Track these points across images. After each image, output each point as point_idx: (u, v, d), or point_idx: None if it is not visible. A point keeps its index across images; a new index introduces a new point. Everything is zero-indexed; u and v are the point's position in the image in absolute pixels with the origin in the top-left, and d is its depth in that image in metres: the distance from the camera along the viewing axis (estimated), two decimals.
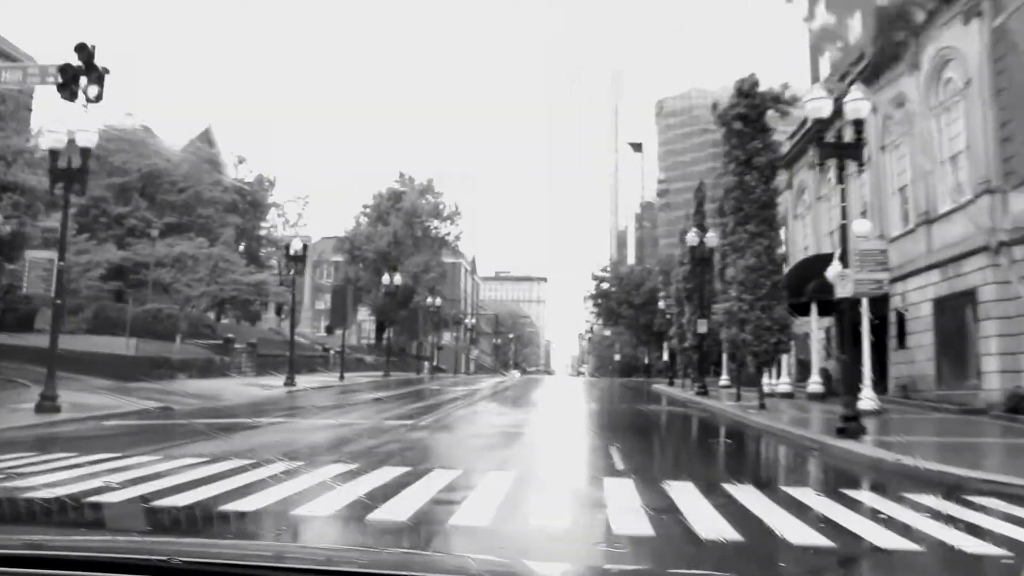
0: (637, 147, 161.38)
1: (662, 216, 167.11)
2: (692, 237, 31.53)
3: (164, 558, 1.90)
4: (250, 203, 76.23)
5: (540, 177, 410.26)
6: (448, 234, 77.95)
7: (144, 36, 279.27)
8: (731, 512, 7.46)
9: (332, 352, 51.63)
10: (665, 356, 62.63)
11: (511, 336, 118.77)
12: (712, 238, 31.01)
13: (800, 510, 7.71)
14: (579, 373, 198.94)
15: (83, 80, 15.39)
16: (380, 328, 78.66)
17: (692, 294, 32.60)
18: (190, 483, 8.33)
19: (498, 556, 2.84)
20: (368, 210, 77.58)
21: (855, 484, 10.43)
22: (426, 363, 65.94)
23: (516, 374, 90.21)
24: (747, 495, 8.47)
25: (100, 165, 47.50)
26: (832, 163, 15.78)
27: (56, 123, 18.50)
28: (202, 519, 6.94)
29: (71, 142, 17.68)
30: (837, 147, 14.97)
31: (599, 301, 73.25)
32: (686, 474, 10.18)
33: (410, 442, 13.21)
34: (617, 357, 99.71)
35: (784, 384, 29.03)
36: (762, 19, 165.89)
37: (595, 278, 73.21)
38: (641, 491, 8.62)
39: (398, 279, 51.19)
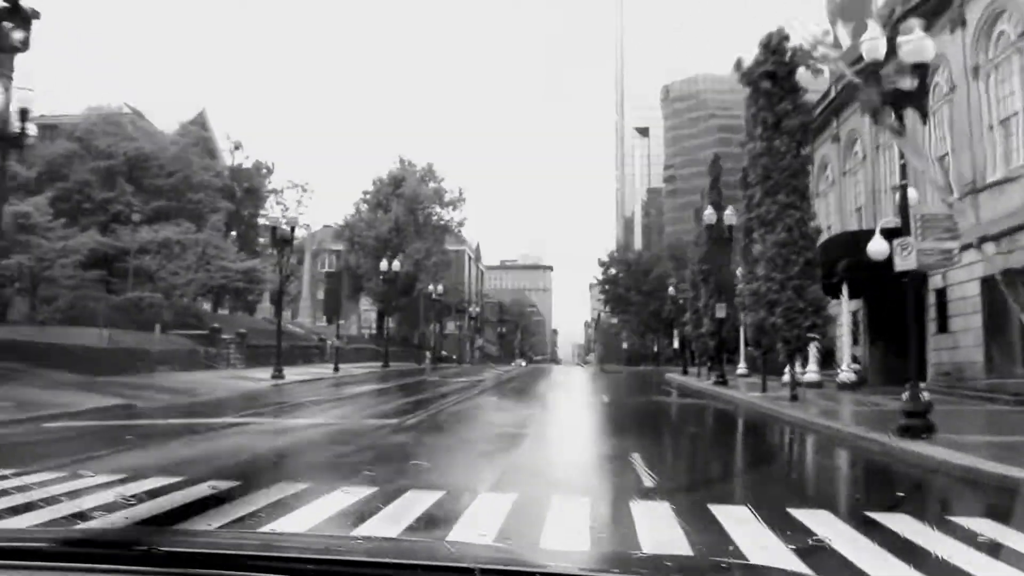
0: (643, 132, 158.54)
1: (669, 203, 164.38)
2: (709, 215, 29.11)
3: (145, 547, 1.81)
4: (247, 190, 74.23)
5: (546, 166, 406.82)
6: (451, 220, 75.62)
7: (148, 25, 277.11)
8: (825, 565, 5.13)
9: (330, 343, 49.40)
10: (676, 344, 60.30)
11: (516, 325, 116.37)
12: (731, 216, 28.61)
13: (918, 558, 5.35)
14: (585, 362, 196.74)
15: (5, 24, 13.01)
16: (381, 317, 76.48)
17: (708, 277, 30.21)
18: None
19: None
20: (368, 196, 75.23)
21: (965, 508, 7.99)
22: (427, 353, 63.60)
23: (522, 363, 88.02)
24: (830, 528, 6.14)
25: (85, 148, 45.44)
26: (863, 126, 13.32)
27: None
28: None
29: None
30: (898, 95, 12.46)
31: (606, 288, 70.85)
32: (735, 493, 7.86)
33: (388, 449, 10.89)
34: (625, 345, 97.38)
35: (811, 372, 26.61)
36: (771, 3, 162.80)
37: (602, 264, 70.80)
38: (684, 522, 6.27)
39: (397, 265, 48.87)
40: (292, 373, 33.01)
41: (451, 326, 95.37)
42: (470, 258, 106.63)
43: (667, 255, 66.01)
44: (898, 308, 25.91)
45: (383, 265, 48.95)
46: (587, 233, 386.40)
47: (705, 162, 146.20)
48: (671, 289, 58.33)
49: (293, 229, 31.57)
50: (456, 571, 1.70)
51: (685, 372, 39.43)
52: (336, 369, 37.12)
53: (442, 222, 75.37)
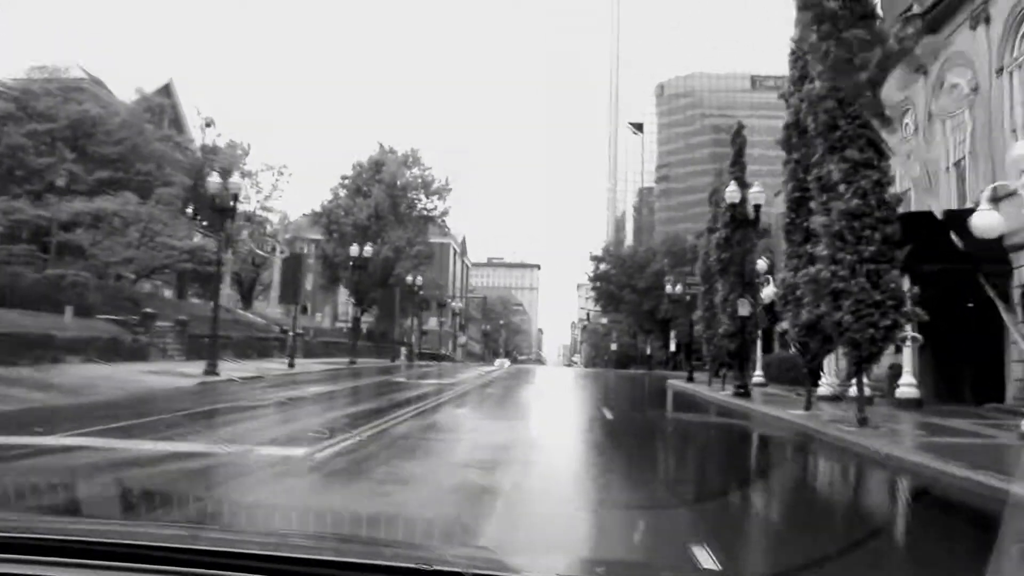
0: (638, 128, 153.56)
1: (661, 203, 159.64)
2: (731, 192, 24.09)
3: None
4: (219, 170, 68.84)
5: (535, 163, 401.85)
6: (435, 209, 70.44)
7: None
8: None
9: (291, 334, 44.26)
10: (672, 347, 55.36)
11: (501, 323, 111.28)
12: (758, 194, 23.67)
13: None
14: (571, 363, 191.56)
15: None
16: (382, 316, 71.31)
17: (728, 267, 25.13)
18: None
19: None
20: (347, 182, 69.99)
21: None
22: (403, 349, 58.50)
23: (505, 363, 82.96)
24: None
25: (21, 110, 40.08)
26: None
27: None
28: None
29: None
30: None
31: (597, 284, 65.82)
32: None
33: (266, 509, 5.86)
34: (614, 346, 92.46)
35: (827, 385, 21.39)
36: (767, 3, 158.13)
37: (594, 259, 65.78)
38: None
39: (368, 250, 43.76)
40: (237, 368, 27.90)
41: (432, 322, 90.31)
42: (455, 252, 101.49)
43: (663, 251, 61.07)
44: (965, 309, 21.00)
45: (353, 250, 43.87)
46: (576, 233, 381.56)
47: (700, 161, 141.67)
48: (668, 287, 53.39)
49: (236, 197, 26.33)
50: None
51: (691, 378, 34.18)
52: (291, 365, 31.96)
53: (425, 211, 70.24)
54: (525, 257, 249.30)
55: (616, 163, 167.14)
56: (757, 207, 23.67)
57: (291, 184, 71.51)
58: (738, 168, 25.72)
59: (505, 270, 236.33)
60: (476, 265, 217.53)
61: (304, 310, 79.87)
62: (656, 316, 59.45)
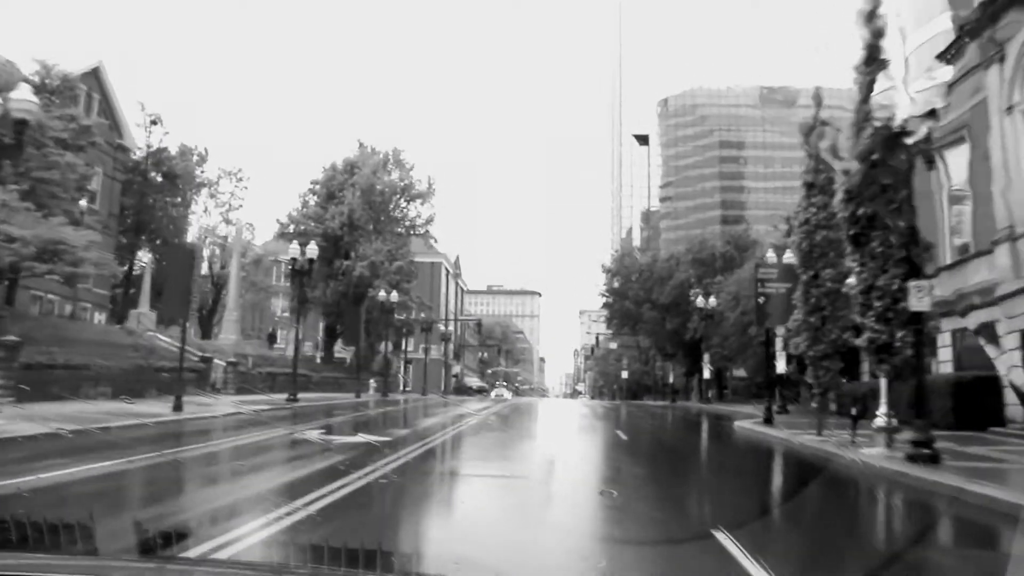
0: (643, 140, 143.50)
1: (666, 223, 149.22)
2: (886, 93, 13.26)
3: None
4: (165, 175, 58.44)
5: (535, 189, 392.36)
6: (417, 216, 59.70)
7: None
8: None
9: (223, 364, 33.30)
10: (706, 373, 44.39)
11: (499, 349, 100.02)
12: (929, 92, 12.86)
13: None
14: (575, 392, 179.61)
15: None
16: (331, 335, 60.38)
17: (868, 229, 14.13)
18: None
19: None
20: (317, 187, 59.45)
21: None
22: (372, 381, 47.56)
23: (505, 394, 71.68)
24: None
25: None
26: None
27: None
28: None
29: None
30: None
31: (610, 301, 54.91)
32: None
33: None
34: (625, 374, 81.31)
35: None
36: (767, 15, 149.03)
37: (606, 271, 54.92)
38: None
39: (310, 248, 33.03)
40: (77, 413, 17.15)
41: (422, 349, 79.29)
42: (448, 272, 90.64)
43: (688, 259, 50.22)
44: None
45: (304, 248, 33.27)
46: (576, 260, 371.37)
47: (705, 180, 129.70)
48: (700, 299, 42.55)
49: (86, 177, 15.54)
50: None
51: (769, 419, 22.44)
52: (176, 407, 21.00)
53: (407, 220, 59.56)
54: (525, 285, 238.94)
55: (620, 180, 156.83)
56: (928, 134, 12.78)
57: (247, 185, 59.49)
58: (875, 63, 14.86)
59: (505, 297, 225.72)
60: (475, 292, 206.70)
61: (272, 338, 69.01)
62: (682, 337, 48.47)
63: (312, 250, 31.93)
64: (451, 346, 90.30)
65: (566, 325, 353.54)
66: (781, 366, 27.64)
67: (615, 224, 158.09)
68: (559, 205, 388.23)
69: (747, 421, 23.22)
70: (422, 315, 56.84)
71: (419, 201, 59.33)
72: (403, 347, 60.42)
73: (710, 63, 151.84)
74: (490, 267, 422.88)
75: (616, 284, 53.46)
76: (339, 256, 55.23)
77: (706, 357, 42.17)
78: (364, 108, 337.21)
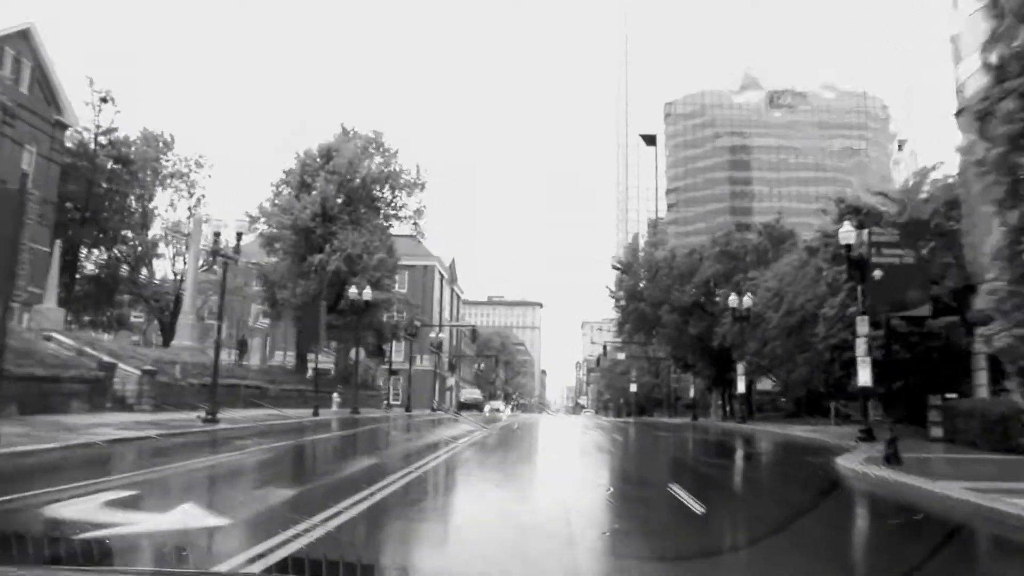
0: (650, 140, 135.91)
1: (673, 229, 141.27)
2: None
3: None
4: (119, 160, 50.97)
5: (536, 199, 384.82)
6: (404, 207, 51.98)
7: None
8: None
9: (139, 373, 25.50)
10: (740, 386, 36.46)
11: (497, 360, 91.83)
12: None
13: None
14: (578, 407, 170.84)
15: None
16: (303, 340, 52.43)
17: None
18: None
19: None
20: (289, 176, 51.72)
21: None
22: (335, 396, 39.76)
23: (501, 411, 63.67)
24: None
25: None
26: None
27: None
28: None
29: None
30: None
31: (623, 303, 46.96)
32: None
33: None
34: (633, 387, 73.37)
35: None
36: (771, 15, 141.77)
37: (618, 267, 47.01)
38: None
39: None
40: None
41: (419, 359, 71.49)
42: (442, 278, 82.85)
43: (713, 252, 42.41)
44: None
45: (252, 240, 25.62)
46: (579, 272, 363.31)
47: (716, 183, 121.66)
48: (732, 298, 34.92)
49: None
50: None
51: (894, 459, 14.32)
52: None
53: (391, 210, 51.88)
54: (526, 296, 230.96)
55: (626, 184, 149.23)
56: None
57: (211, 172, 51.05)
58: None
59: (505, 308, 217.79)
60: (474, 303, 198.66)
61: (243, 346, 61.22)
62: (707, 344, 40.58)
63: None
64: (445, 357, 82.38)
65: (568, 337, 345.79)
66: (866, 376, 19.84)
67: (620, 231, 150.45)
68: (561, 215, 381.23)
69: (849, 459, 15.27)
70: (404, 315, 48.89)
71: (406, 192, 51.59)
72: (388, 355, 52.50)
73: (717, 65, 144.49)
74: (490, 278, 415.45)
75: (629, 282, 45.54)
76: (312, 251, 47.54)
77: (740, 368, 34.29)
78: (360, 110, 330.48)
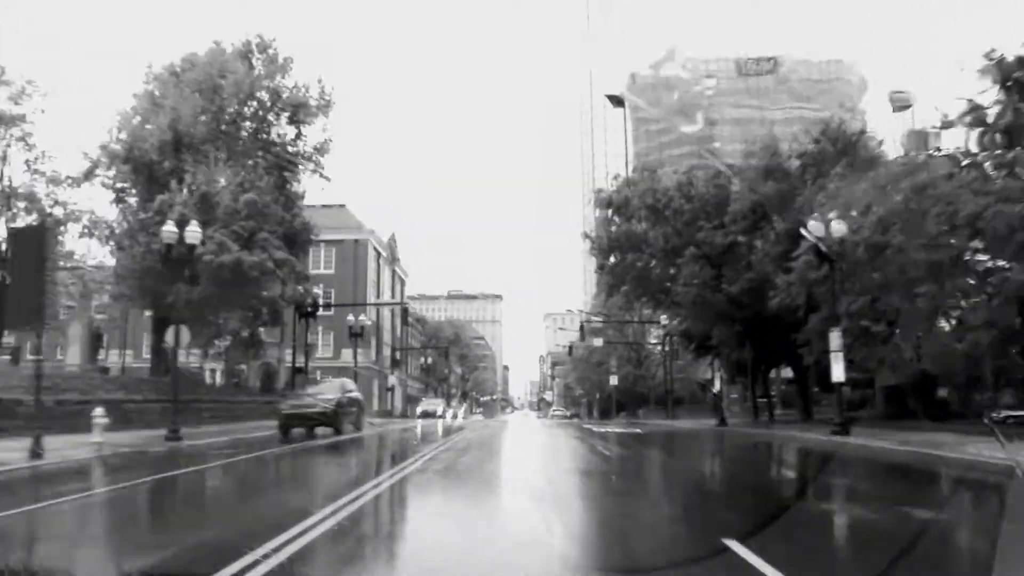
0: (618, 102, 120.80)
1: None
2: None
3: None
4: None
5: (496, 193, 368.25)
6: (298, 139, 35.67)
7: None
8: None
9: None
10: (837, 373, 21.09)
11: (448, 353, 75.16)
12: None
13: None
14: (541, 401, 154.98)
15: None
16: (160, 327, 35.85)
17: None
18: None
19: None
20: (140, 101, 35.04)
21: None
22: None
23: (439, 413, 47.98)
24: None
25: None
26: None
27: None
28: None
29: None
30: None
31: (611, 259, 30.94)
32: None
33: None
34: (614, 381, 57.97)
35: None
36: None
37: (604, 202, 30.74)
38: None
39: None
40: None
41: (348, 353, 55.62)
42: (380, 256, 66.79)
43: (752, 172, 27.02)
44: None
45: None
46: (540, 264, 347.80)
47: (682, 159, 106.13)
48: (814, 224, 19.76)
49: None
50: None
51: None
52: None
53: (279, 139, 35.62)
54: (486, 290, 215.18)
55: (592, 157, 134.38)
56: None
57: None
58: None
59: (464, 302, 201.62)
60: (432, 298, 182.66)
61: (97, 342, 44.62)
62: (756, 308, 25.31)
63: None
64: (383, 350, 66.36)
65: (531, 331, 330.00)
66: None
67: (585, 205, 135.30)
68: (521, 205, 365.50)
69: None
70: (300, 289, 32.72)
71: (303, 116, 35.43)
72: (280, 344, 36.46)
73: (686, 33, 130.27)
74: (449, 274, 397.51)
75: (621, 226, 29.77)
76: (157, 185, 31.38)
77: (835, 338, 18.92)
78: None
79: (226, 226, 29.45)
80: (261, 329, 32.77)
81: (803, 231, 21.15)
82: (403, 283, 77.11)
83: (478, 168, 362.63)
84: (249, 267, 27.81)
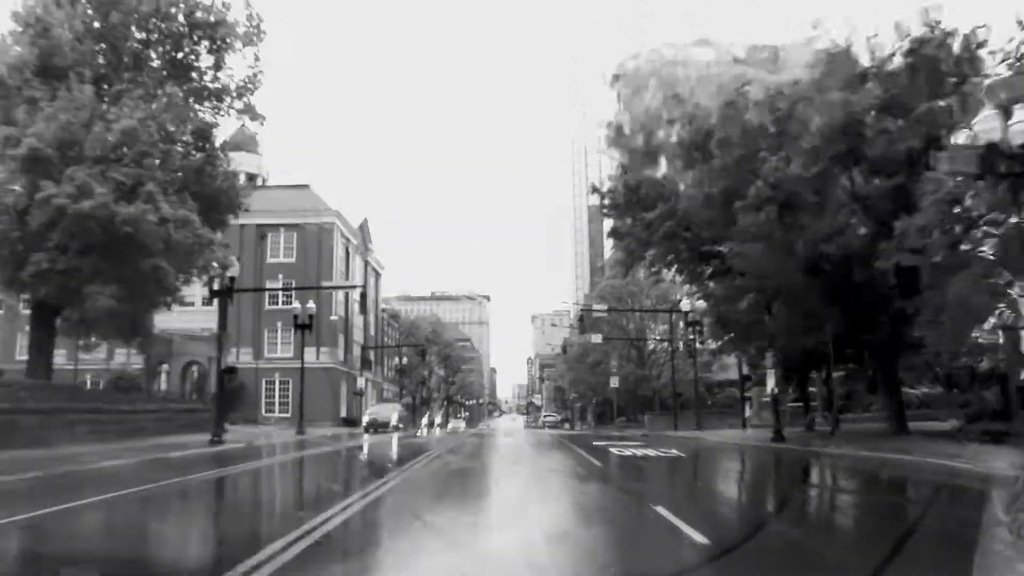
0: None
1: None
2: None
3: None
4: None
5: (483, 192, 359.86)
6: (216, 69, 26.94)
7: None
8: None
9: None
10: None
11: (425, 353, 66.15)
12: None
13: None
14: (530, 405, 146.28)
15: None
16: (42, 317, 26.93)
17: None
18: None
19: None
20: (18, 19, 26.33)
21: None
22: None
23: (394, 422, 38.90)
24: None
25: None
26: None
27: None
28: None
29: None
30: None
31: (640, 217, 21.91)
32: None
33: None
34: (614, 383, 49.56)
35: None
36: None
37: (614, 146, 21.81)
38: None
39: None
40: None
41: (315, 352, 46.70)
42: (348, 242, 58.20)
43: (847, 79, 18.52)
44: None
45: None
46: (528, 265, 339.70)
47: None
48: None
49: None
50: None
51: None
52: None
53: (194, 66, 26.94)
54: (474, 290, 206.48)
55: (585, 153, 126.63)
56: None
57: None
58: None
59: (451, 303, 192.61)
60: (418, 299, 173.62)
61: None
62: (847, 274, 16.92)
63: None
64: (353, 349, 57.83)
65: (519, 333, 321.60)
66: None
67: (576, 211, 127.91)
68: (506, 215, 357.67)
69: None
70: (211, 263, 23.92)
71: (222, 43, 26.74)
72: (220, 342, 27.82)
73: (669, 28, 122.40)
74: (436, 277, 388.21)
75: (647, 172, 21.20)
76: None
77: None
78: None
79: (102, 172, 20.91)
80: (156, 313, 24.10)
81: (938, 154, 13.06)
82: (378, 276, 68.44)
83: (463, 162, 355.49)
84: (123, 222, 19.25)
